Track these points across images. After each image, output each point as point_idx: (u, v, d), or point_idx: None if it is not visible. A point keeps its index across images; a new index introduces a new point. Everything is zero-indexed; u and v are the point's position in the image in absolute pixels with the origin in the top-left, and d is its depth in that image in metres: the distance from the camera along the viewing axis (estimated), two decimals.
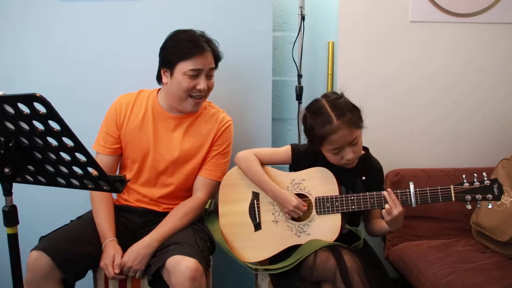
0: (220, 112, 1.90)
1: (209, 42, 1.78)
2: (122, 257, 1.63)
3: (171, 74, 1.74)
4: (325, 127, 1.57)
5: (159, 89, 1.86)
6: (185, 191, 1.85)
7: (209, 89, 1.79)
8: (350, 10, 2.15)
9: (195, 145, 1.82)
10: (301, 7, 2.19)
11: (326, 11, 2.28)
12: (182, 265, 1.50)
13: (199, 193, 1.82)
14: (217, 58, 1.82)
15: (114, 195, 1.91)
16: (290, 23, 2.31)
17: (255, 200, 1.75)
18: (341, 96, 1.64)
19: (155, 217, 1.80)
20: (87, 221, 1.75)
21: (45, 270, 1.53)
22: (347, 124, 1.57)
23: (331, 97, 1.64)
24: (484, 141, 2.27)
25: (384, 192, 1.57)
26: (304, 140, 1.82)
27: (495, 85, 2.26)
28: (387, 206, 1.54)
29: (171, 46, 1.75)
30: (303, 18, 2.19)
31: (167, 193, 1.83)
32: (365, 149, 1.76)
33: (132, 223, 1.82)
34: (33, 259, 1.53)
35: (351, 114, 1.58)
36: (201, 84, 1.74)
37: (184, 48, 1.72)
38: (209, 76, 1.78)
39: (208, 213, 1.82)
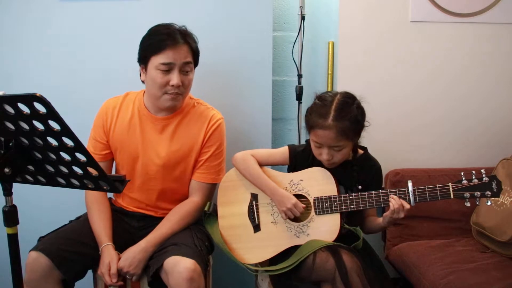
0: (210, 109, 1.80)
1: (185, 35, 1.67)
2: (118, 261, 1.61)
3: (146, 70, 1.66)
4: (319, 119, 1.58)
5: (145, 90, 1.77)
6: (181, 194, 1.81)
7: (185, 85, 1.66)
8: (350, 10, 2.15)
9: (184, 147, 1.74)
10: (301, 7, 2.18)
11: (326, 11, 2.27)
12: (180, 266, 1.49)
13: (195, 196, 1.78)
14: (195, 53, 1.70)
15: (112, 197, 1.91)
16: (290, 23, 2.31)
17: (253, 202, 1.75)
18: (356, 103, 1.60)
19: (153, 221, 1.76)
20: (85, 222, 1.73)
21: (44, 271, 1.52)
22: (338, 130, 1.55)
23: (345, 99, 1.60)
24: (484, 141, 2.27)
25: (391, 198, 1.57)
26: (304, 140, 1.82)
27: (495, 85, 2.25)
28: (392, 207, 1.54)
29: (146, 40, 1.67)
30: (303, 18, 2.19)
31: (162, 198, 1.79)
32: (364, 148, 1.76)
33: (130, 226, 1.81)
34: (32, 260, 1.52)
35: (349, 124, 1.56)
36: (174, 79, 1.62)
37: (157, 41, 1.63)
38: (184, 72, 1.66)
39: (207, 215, 1.81)
